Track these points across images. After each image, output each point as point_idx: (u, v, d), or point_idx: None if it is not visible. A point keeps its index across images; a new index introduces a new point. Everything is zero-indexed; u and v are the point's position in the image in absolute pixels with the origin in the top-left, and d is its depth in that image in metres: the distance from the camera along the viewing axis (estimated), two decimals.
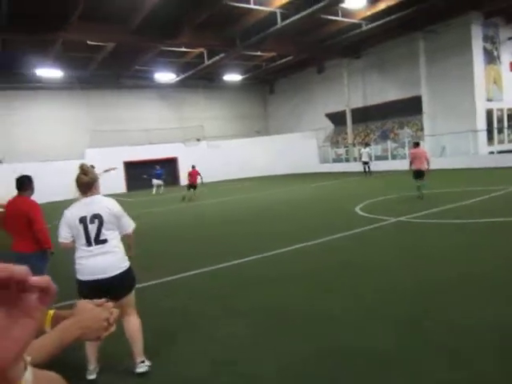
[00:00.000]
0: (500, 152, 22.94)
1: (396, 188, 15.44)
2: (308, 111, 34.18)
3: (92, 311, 1.17)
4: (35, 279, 0.58)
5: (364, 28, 21.82)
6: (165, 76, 28.82)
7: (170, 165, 30.14)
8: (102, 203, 3.48)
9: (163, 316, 4.90)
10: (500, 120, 24.16)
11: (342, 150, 31.47)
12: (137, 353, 3.51)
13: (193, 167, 18.71)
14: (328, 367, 3.36)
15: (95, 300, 1.22)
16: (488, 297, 4.52)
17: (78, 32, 18.90)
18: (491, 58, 23.56)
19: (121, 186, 27.96)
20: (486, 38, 23.15)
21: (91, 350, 3.50)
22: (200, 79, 31.48)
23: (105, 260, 3.38)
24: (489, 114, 23.46)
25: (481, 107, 23.02)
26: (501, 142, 24.22)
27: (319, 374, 3.29)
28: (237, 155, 31.51)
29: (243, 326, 4.33)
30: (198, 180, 18.30)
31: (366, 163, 23.37)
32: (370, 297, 4.86)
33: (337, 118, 31.55)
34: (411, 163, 12.74)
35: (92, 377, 3.52)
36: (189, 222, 12.34)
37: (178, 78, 29.38)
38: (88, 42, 20.92)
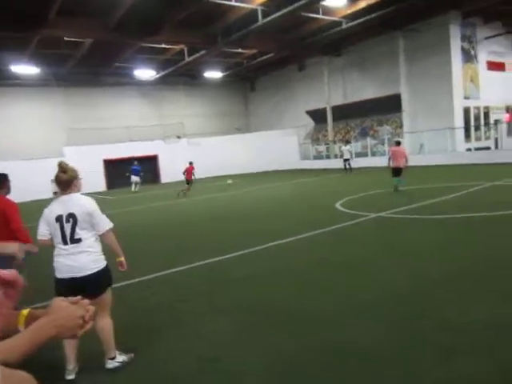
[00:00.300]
0: (477, 149, 23.44)
1: (376, 184, 15.62)
2: (289, 108, 34.28)
3: (67, 309, 1.15)
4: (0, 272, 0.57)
5: (344, 26, 21.95)
6: (145, 73, 28.52)
7: (150, 162, 29.90)
8: (77, 202, 3.44)
9: (149, 313, 4.87)
10: (477, 118, 24.64)
11: (322, 147, 31.66)
12: (107, 351, 3.56)
13: (190, 163, 19.11)
14: (315, 365, 3.38)
15: (70, 298, 1.20)
16: (471, 293, 4.61)
17: (56, 28, 18.52)
18: (469, 57, 23.99)
19: (101, 184, 27.61)
20: (463, 38, 23.57)
21: (70, 349, 3.48)
22: (180, 76, 31.24)
23: (79, 259, 3.38)
24: (466, 111, 23.90)
25: (458, 105, 23.44)
26: (478, 139, 24.72)
27: (305, 371, 3.30)
28: (217, 152, 31.42)
29: (229, 323, 4.33)
30: (193, 176, 18.84)
31: (346, 160, 23.58)
32: (355, 293, 4.91)
33: (317, 116, 31.71)
34: (390, 160, 13.30)
35: (71, 377, 3.49)
36: (172, 220, 12.25)
37: (158, 75, 29.10)
38: (66, 38, 20.54)
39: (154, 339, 4.12)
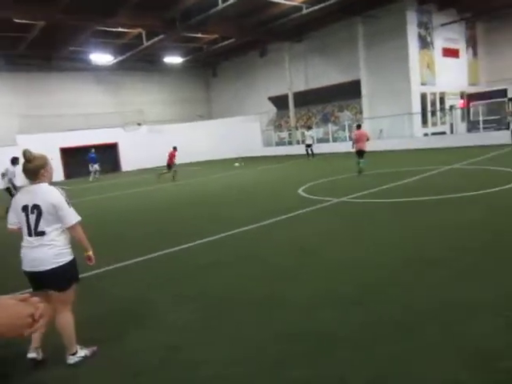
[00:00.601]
0: (433, 134, 24.20)
1: (337, 170, 15.85)
2: (251, 95, 34.16)
3: (14, 307, 1.08)
4: None
5: (305, 11, 21.94)
6: (101, 58, 27.56)
7: (110, 150, 29.13)
8: (44, 193, 3.28)
9: (112, 303, 4.75)
10: (433, 103, 25.39)
11: (285, 134, 31.81)
12: (68, 346, 3.47)
13: (174, 148, 19.06)
14: (281, 352, 3.38)
15: (18, 295, 1.12)
16: (426, 274, 4.75)
17: (5, 9, 17.56)
18: (425, 43, 24.57)
19: (58, 174, 26.64)
20: (420, 24, 24.08)
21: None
22: (139, 61, 30.47)
23: (41, 253, 3.24)
24: (423, 97, 24.57)
25: (415, 91, 24.05)
26: (434, 124, 25.51)
27: (271, 359, 3.30)
28: (179, 140, 30.86)
29: (194, 312, 4.28)
30: (175, 161, 18.86)
31: (308, 146, 23.77)
32: (318, 278, 4.95)
33: (279, 102, 31.78)
34: (354, 143, 13.93)
35: (32, 355, 3.40)
36: (132, 208, 11.98)
37: (115, 60, 28.22)
38: (16, 20, 19.51)
39: (119, 330, 4.02)
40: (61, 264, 3.27)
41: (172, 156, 18.90)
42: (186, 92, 36.83)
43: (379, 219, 7.59)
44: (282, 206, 9.71)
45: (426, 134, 24.15)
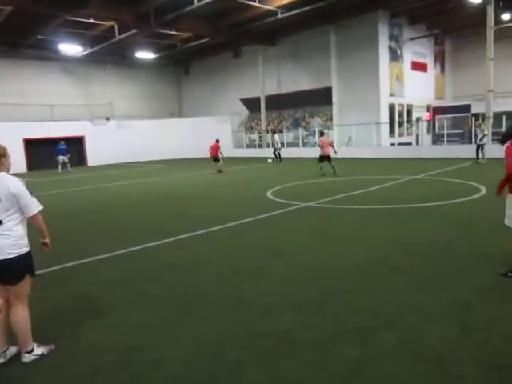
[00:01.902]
0: (400, 144, 24.82)
1: (306, 174, 16.01)
2: (223, 95, 34.03)
3: None
4: None
5: (280, 16, 22.10)
6: (71, 48, 26.73)
7: (76, 144, 28.35)
8: (2, 182, 3.18)
9: (72, 300, 4.61)
10: (400, 114, 26.06)
11: (255, 136, 31.86)
12: (23, 343, 3.36)
13: (216, 141, 19.69)
14: (241, 351, 3.38)
15: None
16: (385, 280, 4.86)
17: None
18: (395, 55, 25.19)
19: (21, 166, 25.64)
20: (391, 37, 24.68)
21: None
22: (110, 54, 29.79)
23: None
24: (391, 108, 25.17)
25: (384, 101, 24.61)
26: (401, 134, 26.18)
27: (231, 359, 3.29)
28: (148, 136, 30.59)
29: (156, 311, 4.22)
30: (219, 152, 19.39)
31: (275, 149, 23.54)
32: (283, 281, 4.98)
33: (251, 104, 31.80)
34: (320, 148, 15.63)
35: (1, 360, 3.32)
36: (92, 207, 11.71)
37: (85, 52, 27.52)
38: None
39: (77, 329, 3.91)
40: (16, 255, 3.17)
41: (215, 148, 19.33)
42: (157, 88, 36.35)
43: (343, 224, 7.71)
44: (250, 208, 9.72)
45: (392, 144, 24.74)
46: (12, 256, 3.16)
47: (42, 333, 3.54)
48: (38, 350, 3.40)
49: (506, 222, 4.69)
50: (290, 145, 28.21)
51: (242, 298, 4.46)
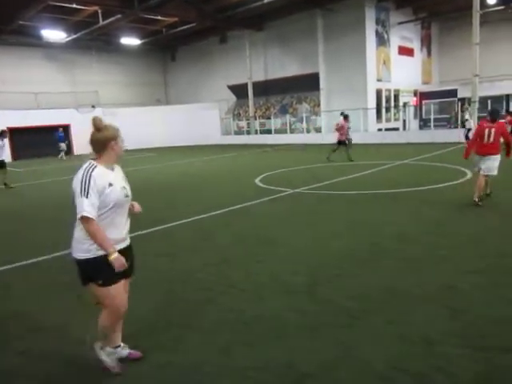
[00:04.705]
0: (387, 129, 24.88)
1: (294, 161, 15.99)
2: (210, 82, 33.71)
3: None
4: None
5: (266, 0, 21.82)
6: (54, 34, 26.11)
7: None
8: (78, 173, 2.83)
9: (40, 298, 4.56)
10: (388, 100, 26.08)
11: (243, 123, 31.69)
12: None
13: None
14: (227, 338, 3.40)
15: None
16: (372, 264, 4.89)
17: None
18: (382, 40, 25.12)
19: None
20: (378, 21, 24.56)
21: None
22: (94, 40, 29.20)
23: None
24: (378, 93, 25.17)
25: (371, 87, 24.58)
26: (388, 120, 26.23)
27: (217, 345, 3.30)
28: (135, 124, 30.17)
29: (140, 300, 4.19)
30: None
31: None
32: (272, 266, 4.99)
33: (239, 91, 31.54)
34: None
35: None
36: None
37: (69, 38, 26.93)
38: None
39: (38, 329, 3.86)
40: (77, 258, 2.82)
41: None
42: (143, 75, 35.84)
43: (331, 210, 7.74)
44: (239, 195, 9.70)
45: (379, 129, 24.79)
46: (76, 257, 2.83)
47: None
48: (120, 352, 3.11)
49: (481, 172, 7.16)
50: (277, 131, 28.11)
51: (229, 283, 4.46)
